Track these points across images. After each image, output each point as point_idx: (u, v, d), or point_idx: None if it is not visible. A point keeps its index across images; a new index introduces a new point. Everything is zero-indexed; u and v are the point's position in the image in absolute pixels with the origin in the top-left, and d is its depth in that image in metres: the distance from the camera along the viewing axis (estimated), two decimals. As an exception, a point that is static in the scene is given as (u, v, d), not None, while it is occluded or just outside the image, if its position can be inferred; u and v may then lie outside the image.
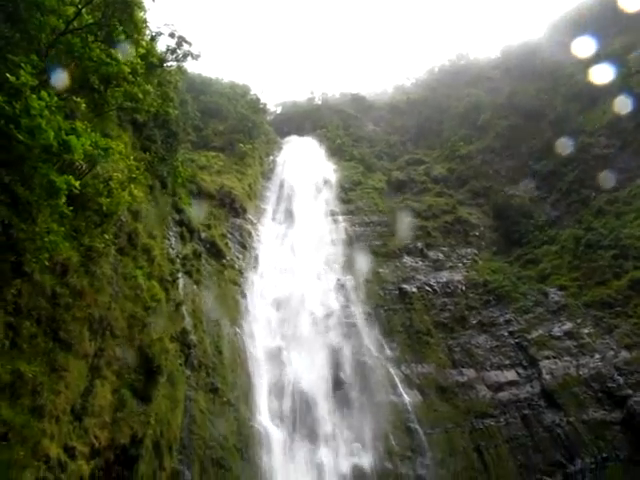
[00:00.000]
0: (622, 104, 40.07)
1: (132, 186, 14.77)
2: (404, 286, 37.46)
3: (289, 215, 45.66)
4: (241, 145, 48.26)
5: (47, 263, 12.58)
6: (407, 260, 40.29)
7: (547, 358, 30.61)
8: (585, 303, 32.40)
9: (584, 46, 48.04)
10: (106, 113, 16.84)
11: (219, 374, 26.34)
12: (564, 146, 42.18)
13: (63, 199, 11.89)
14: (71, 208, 12.36)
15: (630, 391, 27.02)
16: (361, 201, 48.01)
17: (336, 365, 31.73)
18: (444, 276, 38.38)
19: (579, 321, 31.69)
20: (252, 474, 24.28)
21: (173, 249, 26.81)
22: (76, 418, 13.49)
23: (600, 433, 26.59)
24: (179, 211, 30.17)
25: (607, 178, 37.99)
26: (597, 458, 25.90)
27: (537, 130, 46.96)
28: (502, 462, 27.29)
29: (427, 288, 37.32)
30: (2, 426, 10.64)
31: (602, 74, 43.49)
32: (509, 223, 42.10)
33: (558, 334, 31.54)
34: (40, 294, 13.04)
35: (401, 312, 35.78)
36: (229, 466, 23.40)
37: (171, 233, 27.49)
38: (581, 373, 29.15)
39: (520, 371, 30.98)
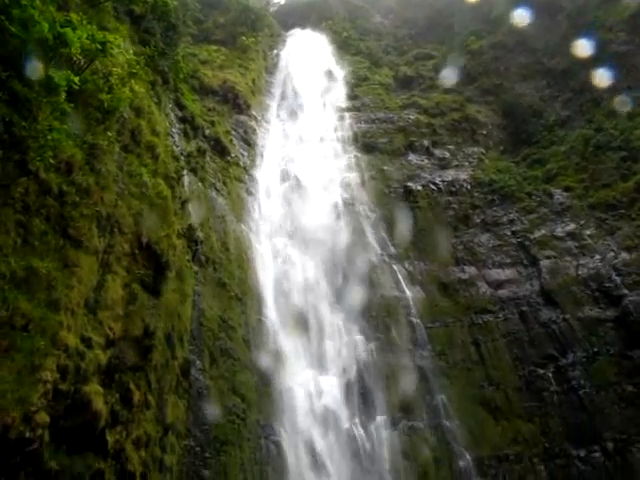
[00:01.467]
0: (645, -3, 37.82)
1: (132, 82, 14.48)
2: (409, 184, 37.39)
3: (294, 111, 44.70)
4: (244, 38, 46.26)
5: (52, 161, 12.61)
6: (413, 158, 39.91)
7: (548, 258, 31.13)
8: (589, 205, 32.39)
9: None
10: (101, 4, 16.11)
11: (226, 270, 27.04)
12: (580, 42, 40.21)
13: (63, 96, 11.70)
14: (72, 105, 12.18)
15: (626, 291, 27.72)
16: (367, 97, 46.71)
17: (340, 262, 32.43)
18: (449, 175, 38.16)
19: (582, 222, 31.88)
20: (259, 363, 25.57)
21: (177, 146, 26.60)
22: (90, 311, 14.06)
23: (593, 330, 27.60)
24: (182, 107, 29.60)
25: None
26: (589, 352, 27.07)
27: (552, 24, 44.60)
28: (498, 355, 28.59)
29: (432, 186, 37.24)
30: (22, 318, 11.16)
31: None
32: (518, 122, 41.11)
33: (560, 234, 31.86)
34: (47, 192, 13.16)
35: (406, 210, 35.98)
36: (237, 356, 24.62)
37: (174, 130, 27.16)
38: (580, 273, 29.77)
39: (521, 270, 31.63)
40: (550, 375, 27.13)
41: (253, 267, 29.54)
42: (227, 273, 26.91)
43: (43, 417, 11.24)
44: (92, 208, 14.77)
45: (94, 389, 13.30)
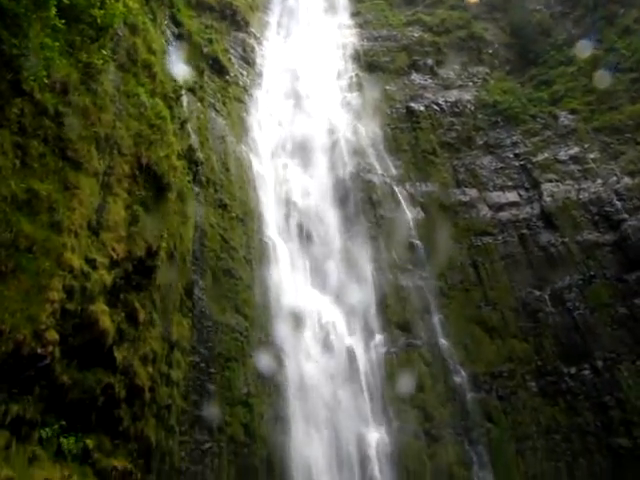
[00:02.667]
0: None
1: (126, -4, 13.87)
2: (412, 104, 36.60)
3: (294, 28, 43.12)
4: (242, -49, 43.83)
5: (46, 81, 12.33)
6: (416, 77, 38.83)
7: (550, 181, 30.95)
8: (595, 128, 31.80)
9: None
10: None
11: (227, 190, 27.03)
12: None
13: (53, 11, 11.29)
14: (63, 21, 11.76)
15: (626, 215, 27.79)
16: (370, 14, 44.76)
17: (340, 182, 32.34)
18: (453, 95, 37.27)
19: (586, 146, 31.45)
20: (260, 283, 26.08)
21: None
22: (93, 233, 14.18)
23: (591, 253, 27.91)
24: (178, 24, 28.53)
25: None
26: (585, 275, 27.49)
27: None
28: (496, 276, 29.05)
29: (435, 107, 36.46)
30: (26, 240, 11.29)
31: None
32: (526, 41, 39.60)
33: (563, 158, 31.51)
34: (43, 113, 12.94)
35: (407, 131, 35.46)
36: (239, 276, 25.07)
37: (171, 48, 26.31)
38: (581, 197, 29.70)
39: (522, 193, 31.54)
40: (546, 297, 27.70)
41: (254, 188, 29.49)
42: (228, 194, 26.91)
43: (52, 335, 11.61)
44: (90, 129, 14.57)
45: (100, 308, 13.65)
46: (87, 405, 13.14)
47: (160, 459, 16.94)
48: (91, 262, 13.65)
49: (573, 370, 25.59)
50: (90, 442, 12.95)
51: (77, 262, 12.94)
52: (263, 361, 23.59)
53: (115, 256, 14.87)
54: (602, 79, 33.08)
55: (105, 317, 13.70)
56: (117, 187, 15.86)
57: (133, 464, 14.71)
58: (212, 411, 20.70)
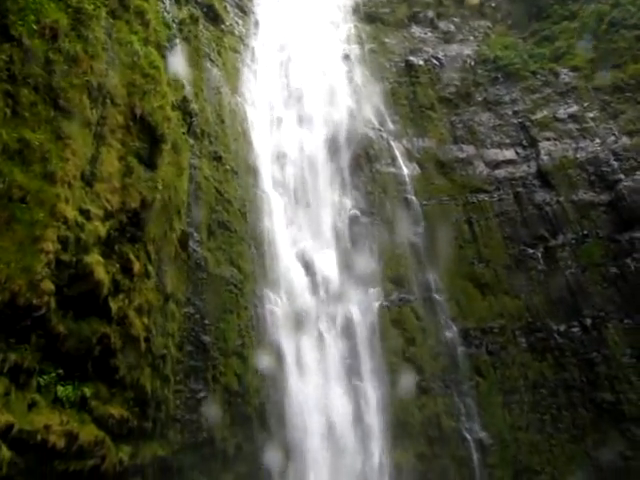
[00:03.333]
0: None
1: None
2: (411, 58, 35.94)
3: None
4: None
5: (35, 27, 12.02)
6: (415, 30, 37.98)
7: (547, 140, 30.71)
8: (595, 87, 31.28)
9: None
10: None
11: (222, 143, 26.72)
12: None
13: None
14: (53, -37, 11.38)
15: (622, 176, 27.74)
16: (370, -38, 43.44)
17: (337, 136, 32.03)
18: (453, 49, 36.53)
19: (586, 105, 31.04)
20: (256, 235, 26.13)
21: (168, 13, 25.06)
22: (87, 184, 14.05)
23: (586, 213, 27.99)
24: (171, -33, 27.56)
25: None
26: (578, 235, 27.67)
27: None
28: (490, 234, 29.18)
29: (434, 61, 35.83)
30: (19, 190, 11.21)
31: None
32: (530, -7, 38.62)
33: (562, 116, 31.15)
34: (33, 61, 12.61)
35: (406, 85, 34.93)
36: (234, 228, 25.08)
37: (165, -6, 25.52)
38: (578, 156, 29.54)
39: (519, 150, 31.34)
40: (539, 255, 27.94)
41: (249, 140, 29.18)
42: (223, 146, 26.63)
43: (48, 285, 11.67)
44: (81, 78, 14.24)
45: (95, 259, 13.67)
46: (83, 354, 13.32)
47: (156, 407, 17.28)
48: (85, 213, 13.58)
49: (562, 327, 26.06)
50: (87, 390, 13.20)
51: (71, 213, 12.88)
52: (257, 313, 23.94)
53: (109, 207, 14.79)
54: (606, 35, 32.44)
55: (100, 268, 13.73)
56: (110, 138, 15.64)
57: (129, 412, 15.04)
58: (206, 362, 21.07)
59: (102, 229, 14.23)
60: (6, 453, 10.22)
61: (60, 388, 12.26)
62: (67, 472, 12.06)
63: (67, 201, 12.76)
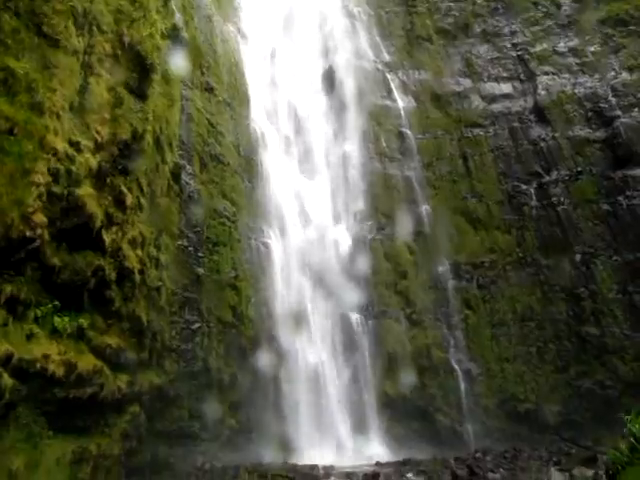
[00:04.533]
0: None
1: None
2: (409, -15, 34.52)
3: None
4: None
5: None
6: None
7: (546, 74, 29.98)
8: (599, 19, 30.18)
9: None
10: None
11: (214, 73, 26.06)
12: None
13: None
14: None
15: (620, 112, 27.35)
16: None
17: (332, 68, 31.33)
18: (453, -25, 35.12)
19: (587, 38, 30.08)
20: (249, 168, 25.98)
21: None
22: (76, 115, 13.78)
23: (580, 149, 27.76)
24: None
25: None
26: (572, 171, 27.53)
27: None
28: (485, 169, 29.02)
29: (433, -11, 34.48)
30: (6, 122, 11.00)
31: None
32: None
33: (562, 50, 30.27)
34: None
35: (403, 15, 33.74)
36: (227, 161, 24.89)
37: None
38: (576, 91, 28.97)
39: (516, 85, 30.67)
40: (532, 191, 27.93)
41: (242, 70, 28.48)
42: (215, 77, 26.00)
43: (40, 217, 11.68)
44: (66, 3, 13.70)
45: (87, 192, 13.62)
46: (79, 286, 13.52)
47: (152, 337, 17.71)
48: (75, 145, 13.41)
49: (552, 262, 26.43)
50: (84, 321, 13.47)
51: (61, 145, 12.72)
52: (250, 245, 24.15)
53: (100, 139, 14.59)
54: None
55: (92, 201, 13.71)
56: (99, 67, 15.22)
57: (126, 342, 15.42)
58: (201, 294, 21.42)
59: (93, 161, 14.10)
60: (8, 381, 10.54)
61: (57, 319, 12.50)
62: (67, 399, 12.48)
63: (56, 133, 12.57)
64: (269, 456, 19.33)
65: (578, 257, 25.97)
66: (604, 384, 23.78)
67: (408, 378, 23.80)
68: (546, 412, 23.84)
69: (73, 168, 13.14)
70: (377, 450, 21.16)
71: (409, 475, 15.98)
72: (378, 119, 29.93)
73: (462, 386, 24.21)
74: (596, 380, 23.99)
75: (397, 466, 17.84)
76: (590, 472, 11.23)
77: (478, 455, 19.41)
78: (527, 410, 24.07)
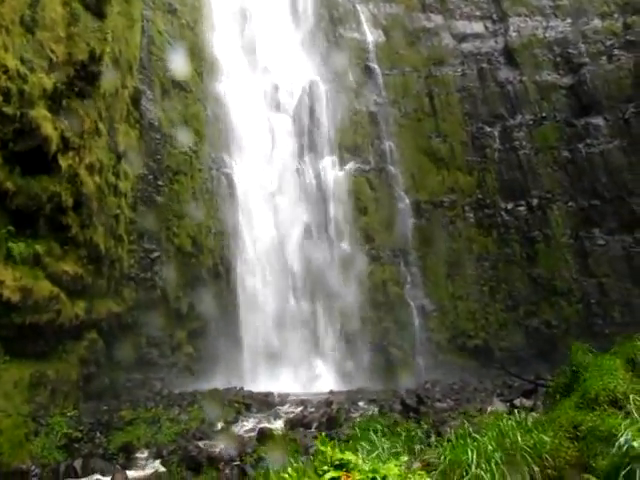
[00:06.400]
0: None
1: None
2: None
3: None
4: None
5: None
6: None
7: (518, 15, 29.41)
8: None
9: None
10: None
11: (177, -8, 24.83)
12: None
13: None
14: None
15: (588, 59, 27.34)
16: None
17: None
18: None
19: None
20: (212, 97, 25.18)
21: None
22: (28, 31, 13.03)
23: (546, 95, 27.81)
24: None
25: None
26: (537, 116, 27.69)
27: None
28: (450, 109, 28.83)
29: None
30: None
31: None
32: None
33: (537, -9, 29.72)
34: None
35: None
36: (190, 88, 24.11)
37: None
38: (547, 35, 28.67)
39: (488, 25, 30.06)
40: (496, 133, 28.04)
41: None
42: (178, -3, 24.75)
43: (-9, 139, 11.20)
44: None
45: (41, 114, 13.06)
46: (34, 212, 13.18)
47: (110, 265, 17.58)
48: (28, 63, 12.76)
49: (510, 205, 26.98)
50: (40, 247, 13.22)
51: (12, 62, 12.08)
52: (212, 175, 23.84)
53: (54, 58, 13.88)
54: None
55: (47, 123, 13.18)
56: (52, -20, 14.25)
57: (83, 269, 15.25)
58: (160, 223, 21.20)
59: (48, 82, 13.45)
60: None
61: (12, 245, 12.24)
62: (24, 325, 12.42)
63: (6, 49, 11.92)
64: (226, 383, 19.74)
65: (535, 201, 26.57)
66: (550, 323, 24.97)
67: (364, 312, 24.37)
68: (494, 348, 24.97)
69: (26, 88, 12.56)
70: (331, 379, 21.82)
71: (360, 404, 16.60)
72: (346, 52, 29.17)
73: (416, 321, 24.97)
74: (543, 320, 25.15)
75: (350, 395, 18.49)
76: (529, 402, 11.95)
77: (428, 386, 20.25)
78: (476, 345, 25.15)
